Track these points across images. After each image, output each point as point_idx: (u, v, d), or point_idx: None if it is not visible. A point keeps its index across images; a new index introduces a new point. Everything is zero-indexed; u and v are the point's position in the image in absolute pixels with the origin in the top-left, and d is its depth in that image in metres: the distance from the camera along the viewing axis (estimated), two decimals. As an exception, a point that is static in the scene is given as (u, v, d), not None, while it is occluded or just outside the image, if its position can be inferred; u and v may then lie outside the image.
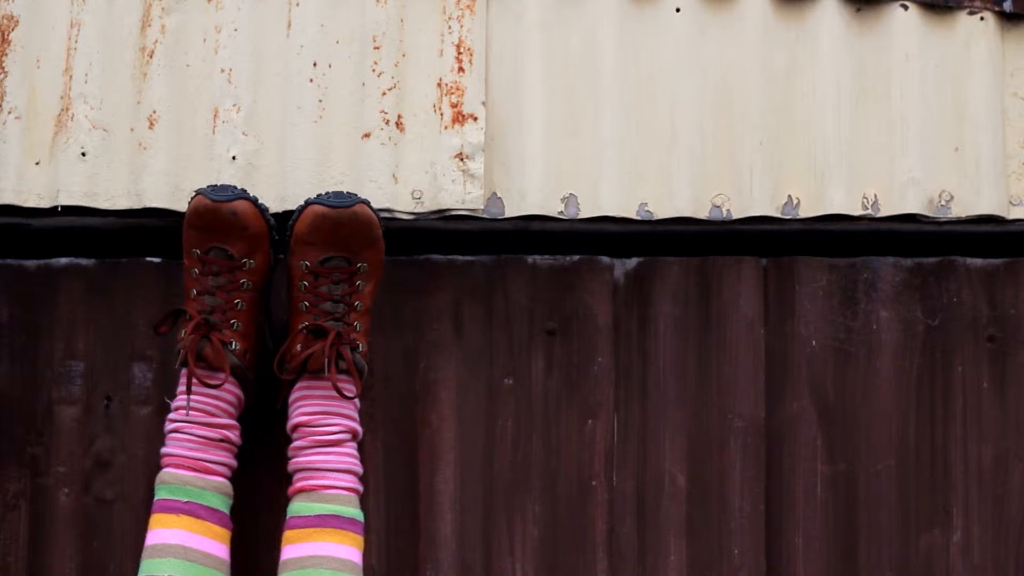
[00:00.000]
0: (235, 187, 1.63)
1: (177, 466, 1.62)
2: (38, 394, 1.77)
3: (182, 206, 1.79)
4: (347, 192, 1.63)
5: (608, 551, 1.80)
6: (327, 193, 1.63)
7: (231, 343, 1.63)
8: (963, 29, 1.94)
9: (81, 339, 1.79)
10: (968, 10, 1.94)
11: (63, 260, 1.80)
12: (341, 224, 1.60)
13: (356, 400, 1.67)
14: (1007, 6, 1.95)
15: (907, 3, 1.93)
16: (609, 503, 1.81)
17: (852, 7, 1.93)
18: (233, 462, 1.66)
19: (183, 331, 1.63)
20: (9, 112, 1.82)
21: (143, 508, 1.75)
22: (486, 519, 1.80)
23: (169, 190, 1.80)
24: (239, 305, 1.64)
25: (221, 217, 1.60)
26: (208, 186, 1.63)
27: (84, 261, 1.80)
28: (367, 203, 1.63)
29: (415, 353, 1.82)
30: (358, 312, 1.66)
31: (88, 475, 1.77)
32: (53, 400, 1.78)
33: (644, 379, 1.84)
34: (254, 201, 1.62)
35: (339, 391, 1.62)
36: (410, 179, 1.84)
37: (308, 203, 1.62)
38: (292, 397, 1.67)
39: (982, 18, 1.94)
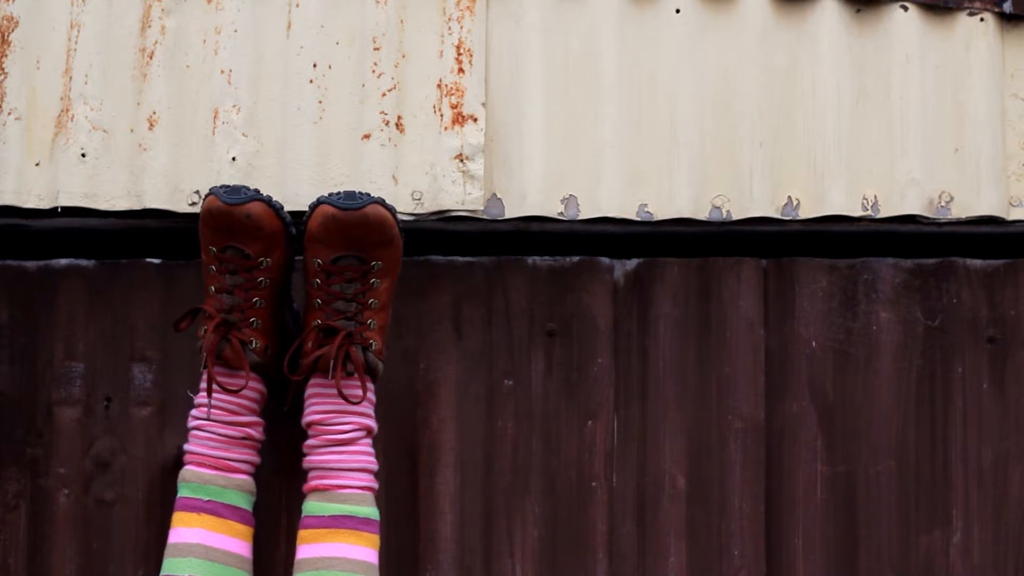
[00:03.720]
0: (247, 188, 1.62)
1: (199, 464, 1.63)
2: (38, 395, 1.77)
3: (182, 207, 1.79)
4: (360, 192, 1.62)
5: (608, 552, 1.80)
6: (339, 192, 1.62)
7: (251, 341, 1.63)
8: (963, 30, 1.94)
9: (81, 340, 1.79)
10: (968, 11, 1.94)
11: (63, 261, 1.80)
12: (351, 225, 1.59)
13: (371, 396, 1.67)
14: (1007, 7, 1.94)
15: (907, 4, 1.93)
16: (609, 504, 1.81)
17: (852, 8, 1.93)
18: (256, 458, 1.66)
19: (203, 329, 1.63)
20: (9, 113, 1.82)
21: (143, 509, 1.75)
22: (486, 520, 1.80)
23: (169, 191, 1.80)
24: (258, 303, 1.63)
25: (235, 219, 1.59)
26: (221, 186, 1.62)
27: (84, 262, 1.80)
28: (381, 202, 1.61)
29: (415, 354, 1.82)
30: (373, 310, 1.64)
31: (88, 476, 1.77)
32: (53, 401, 1.78)
33: (644, 380, 1.83)
34: (267, 201, 1.61)
35: (343, 396, 1.61)
36: (410, 180, 1.84)
37: (320, 201, 1.61)
38: (307, 393, 1.67)
39: (982, 19, 1.94)
